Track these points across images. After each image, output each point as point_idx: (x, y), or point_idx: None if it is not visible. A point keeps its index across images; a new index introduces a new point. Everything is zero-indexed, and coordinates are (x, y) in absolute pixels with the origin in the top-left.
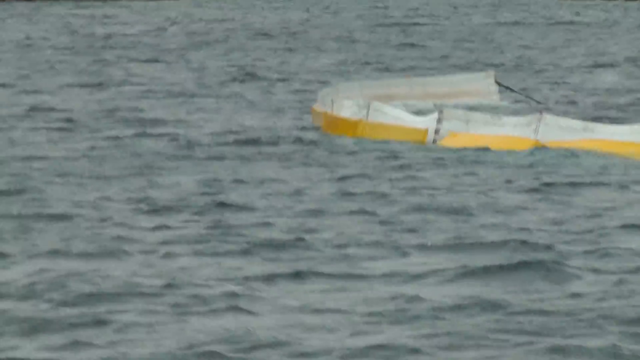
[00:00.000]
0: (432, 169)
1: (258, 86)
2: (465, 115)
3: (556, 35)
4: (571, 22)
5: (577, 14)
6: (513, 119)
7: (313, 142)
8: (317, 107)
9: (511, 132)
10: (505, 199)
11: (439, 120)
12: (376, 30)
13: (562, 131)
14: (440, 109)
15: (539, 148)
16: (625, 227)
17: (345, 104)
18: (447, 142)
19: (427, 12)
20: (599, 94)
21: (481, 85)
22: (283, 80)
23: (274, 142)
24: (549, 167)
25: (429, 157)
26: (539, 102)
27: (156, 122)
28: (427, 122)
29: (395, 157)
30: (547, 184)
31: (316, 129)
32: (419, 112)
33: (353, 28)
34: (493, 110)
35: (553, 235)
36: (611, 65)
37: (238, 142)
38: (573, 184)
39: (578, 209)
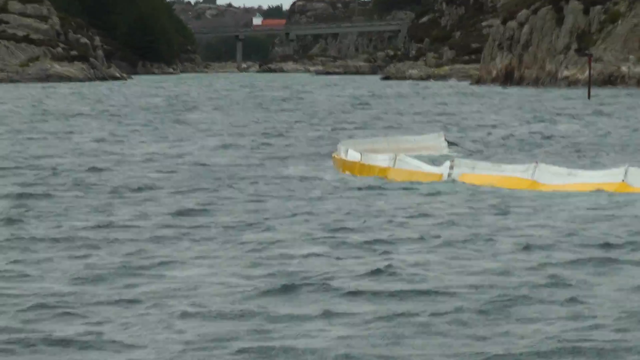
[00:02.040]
0: (449, 198)
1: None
2: (472, 163)
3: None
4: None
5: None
6: (511, 167)
7: (353, 181)
8: (339, 155)
9: (512, 175)
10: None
11: (451, 167)
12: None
13: (552, 175)
14: (451, 159)
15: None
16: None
17: (374, 156)
18: (461, 179)
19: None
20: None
21: (436, 142)
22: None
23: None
24: (546, 199)
25: (446, 188)
26: (471, 151)
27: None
28: (441, 169)
29: (421, 190)
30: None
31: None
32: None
33: None
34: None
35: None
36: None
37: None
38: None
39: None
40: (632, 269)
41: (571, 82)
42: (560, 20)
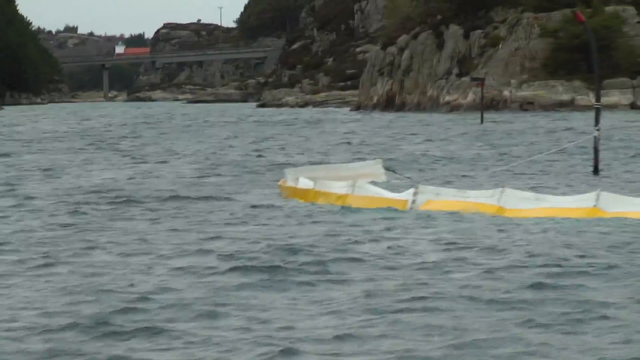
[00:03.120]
0: (413, 228)
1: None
2: (436, 190)
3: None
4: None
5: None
6: (477, 192)
7: (308, 209)
8: (287, 183)
9: (477, 201)
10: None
11: (415, 193)
12: None
13: (519, 200)
14: (415, 185)
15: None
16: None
17: (329, 183)
18: (424, 207)
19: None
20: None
21: (373, 169)
22: None
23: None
24: (510, 226)
25: (410, 217)
26: (409, 178)
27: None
28: (405, 196)
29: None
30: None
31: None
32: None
33: None
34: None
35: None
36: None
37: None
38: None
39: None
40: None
41: (453, 107)
42: (440, 45)
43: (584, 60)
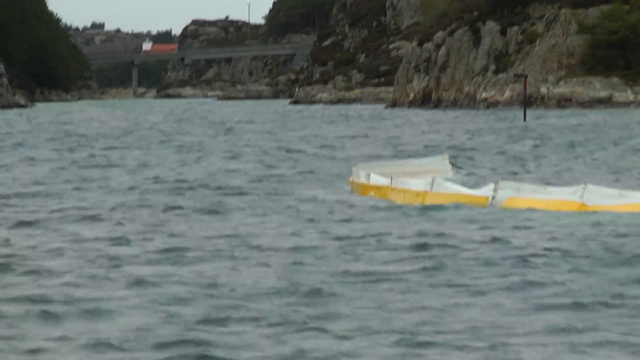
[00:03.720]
0: (497, 225)
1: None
2: (517, 186)
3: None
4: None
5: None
6: (558, 189)
7: (385, 208)
8: (359, 180)
9: (559, 198)
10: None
11: (495, 190)
12: None
13: (602, 197)
14: (496, 181)
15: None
16: None
17: (406, 180)
18: (507, 204)
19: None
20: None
21: (440, 165)
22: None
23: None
24: (596, 223)
25: (494, 215)
26: (475, 174)
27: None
28: (485, 191)
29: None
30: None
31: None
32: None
33: None
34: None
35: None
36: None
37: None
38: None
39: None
40: None
41: (490, 104)
42: (477, 42)
43: (622, 57)
